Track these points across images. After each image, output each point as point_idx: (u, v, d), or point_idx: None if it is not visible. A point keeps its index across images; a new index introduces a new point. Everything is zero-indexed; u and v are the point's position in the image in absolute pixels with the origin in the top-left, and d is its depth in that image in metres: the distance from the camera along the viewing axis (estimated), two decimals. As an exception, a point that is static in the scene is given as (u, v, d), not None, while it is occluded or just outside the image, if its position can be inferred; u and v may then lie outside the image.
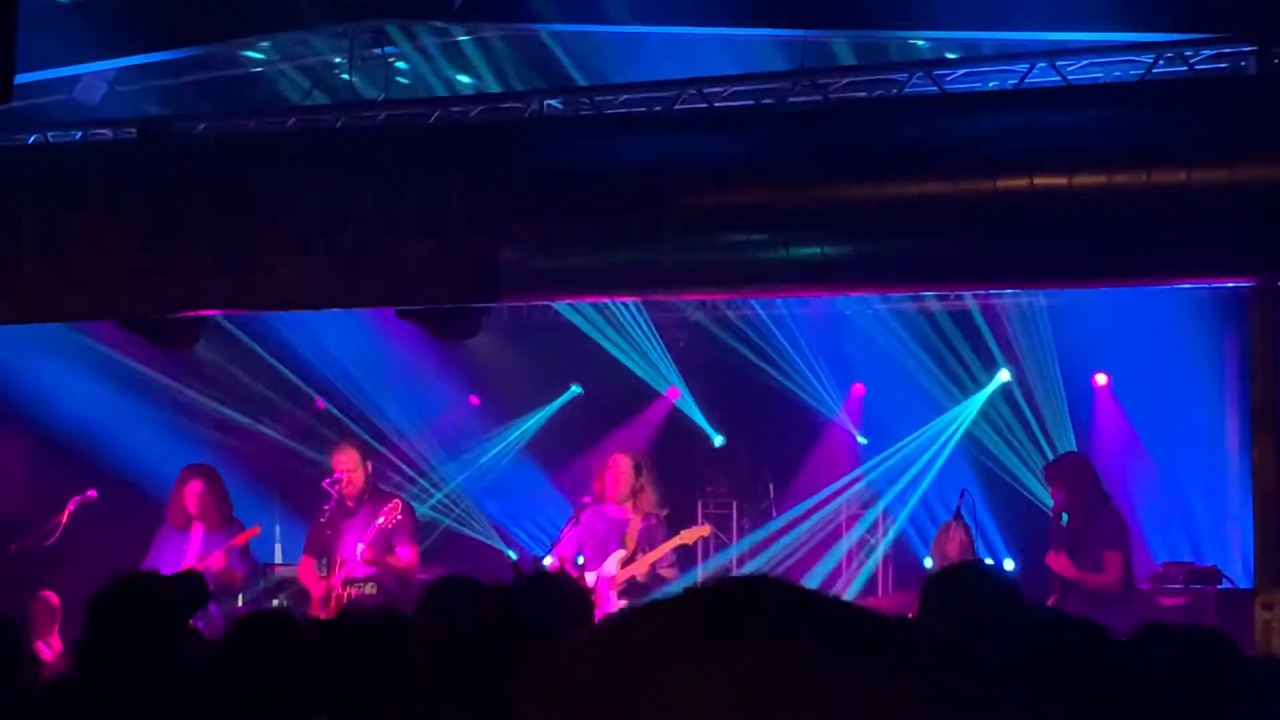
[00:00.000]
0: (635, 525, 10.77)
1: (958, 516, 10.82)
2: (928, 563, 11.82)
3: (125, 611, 4.85)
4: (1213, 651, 3.99)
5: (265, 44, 11.16)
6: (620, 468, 10.84)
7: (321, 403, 13.95)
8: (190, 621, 5.29)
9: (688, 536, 10.95)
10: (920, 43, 9.98)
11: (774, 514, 13.63)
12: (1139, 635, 4.09)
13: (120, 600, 4.88)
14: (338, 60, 11.16)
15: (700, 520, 13.18)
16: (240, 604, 10.98)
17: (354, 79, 10.74)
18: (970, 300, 12.70)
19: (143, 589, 5.07)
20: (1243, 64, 8.61)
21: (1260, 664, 6.15)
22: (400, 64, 11.38)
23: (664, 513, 11.00)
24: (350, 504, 10.88)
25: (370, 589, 10.68)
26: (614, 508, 10.88)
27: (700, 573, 13.18)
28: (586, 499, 11.02)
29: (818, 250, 8.82)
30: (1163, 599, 10.88)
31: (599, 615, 10.72)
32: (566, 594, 5.04)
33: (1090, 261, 8.66)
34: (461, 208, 9.28)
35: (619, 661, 1.22)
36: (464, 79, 11.47)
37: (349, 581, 10.66)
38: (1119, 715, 2.78)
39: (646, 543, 10.77)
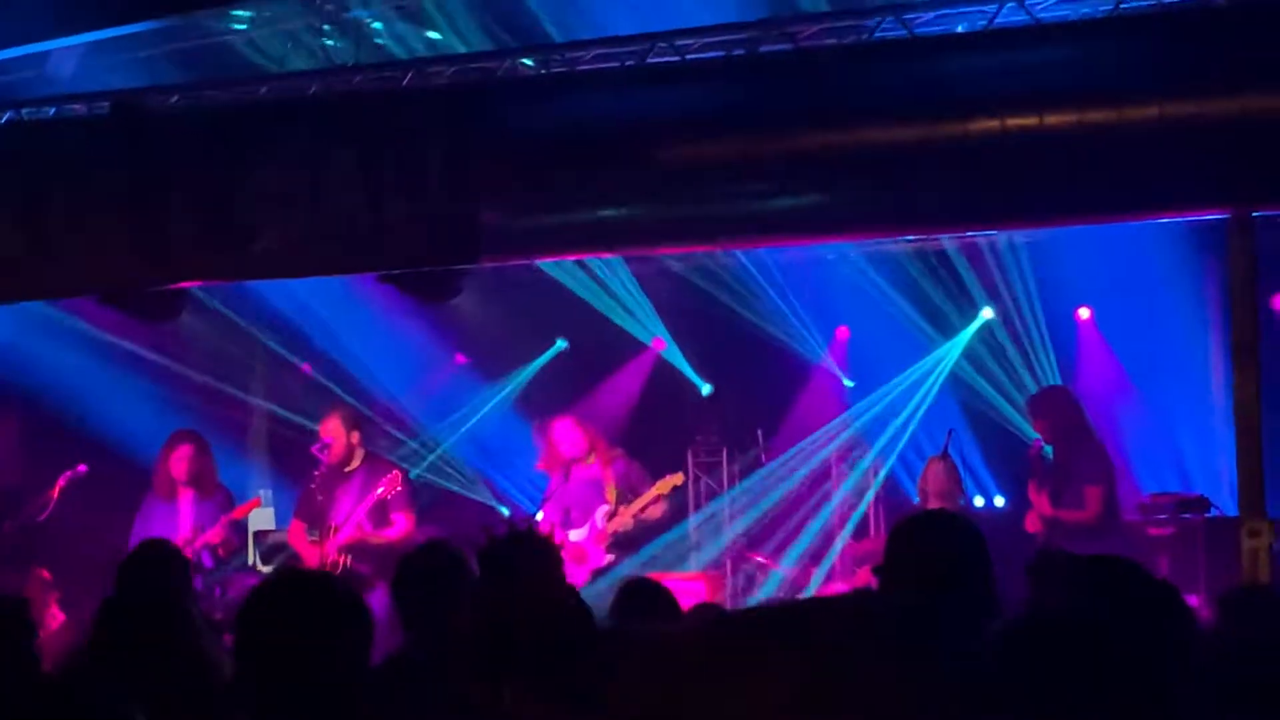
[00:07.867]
0: (609, 477, 10.99)
1: (944, 455, 10.87)
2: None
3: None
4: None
5: (236, 12, 11.13)
6: (570, 433, 11.18)
7: (308, 368, 13.96)
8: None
9: (662, 487, 11.12)
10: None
11: (764, 460, 13.67)
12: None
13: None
14: (310, 25, 11.13)
15: (691, 472, 13.27)
16: (230, 570, 11.05)
17: (327, 43, 10.72)
18: (950, 240, 12.69)
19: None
20: (1211, -5, 8.60)
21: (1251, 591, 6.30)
22: (375, 24, 11.37)
23: (619, 451, 11.26)
24: (341, 470, 10.94)
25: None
26: (584, 467, 11.11)
27: (691, 522, 13.25)
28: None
29: (794, 199, 8.83)
30: (1151, 529, 10.95)
31: (588, 570, 10.89)
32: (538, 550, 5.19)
33: (1064, 200, 8.66)
34: (439, 170, 9.24)
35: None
36: (434, 36, 11.49)
37: (345, 548, 10.72)
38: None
39: (626, 488, 10.96)
